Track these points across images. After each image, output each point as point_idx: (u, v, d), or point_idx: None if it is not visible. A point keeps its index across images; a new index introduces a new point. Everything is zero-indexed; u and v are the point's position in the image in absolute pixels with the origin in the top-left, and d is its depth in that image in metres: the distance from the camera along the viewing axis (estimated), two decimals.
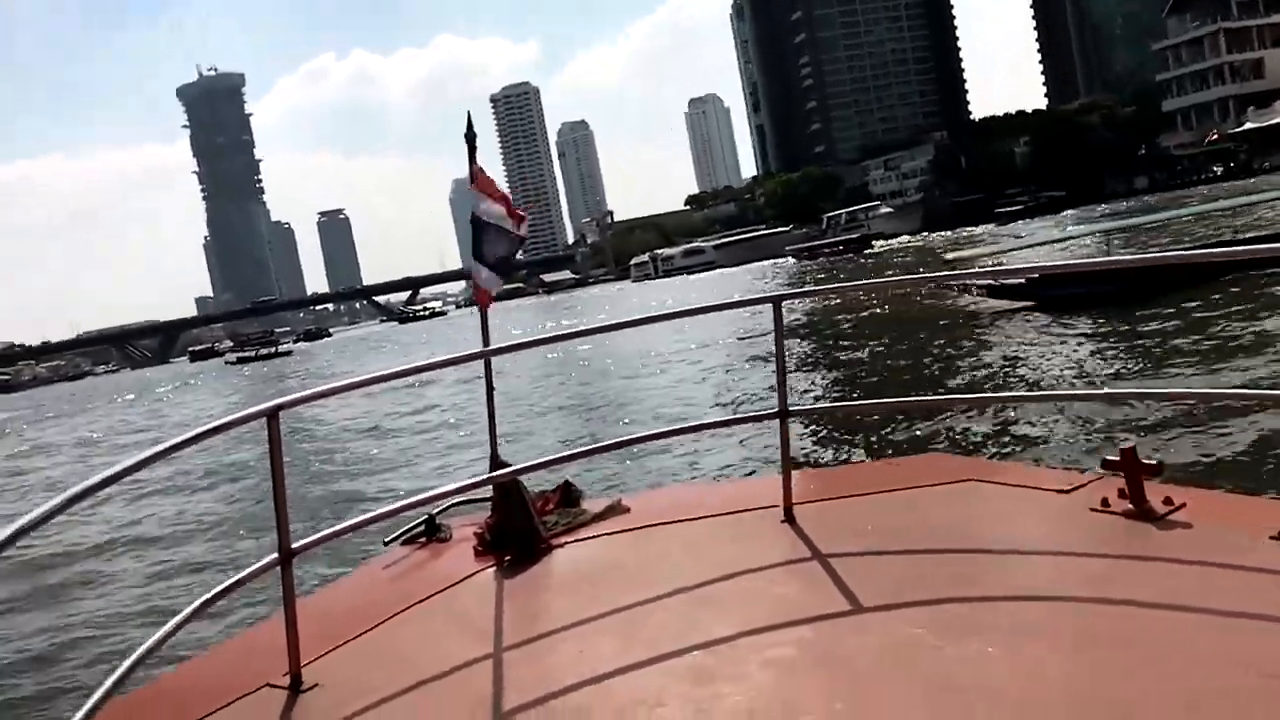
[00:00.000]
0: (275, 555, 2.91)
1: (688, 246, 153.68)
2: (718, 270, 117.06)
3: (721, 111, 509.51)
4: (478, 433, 15.53)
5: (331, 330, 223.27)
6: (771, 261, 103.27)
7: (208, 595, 2.83)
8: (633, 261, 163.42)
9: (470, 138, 4.09)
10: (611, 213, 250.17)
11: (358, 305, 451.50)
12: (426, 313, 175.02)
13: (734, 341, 25.98)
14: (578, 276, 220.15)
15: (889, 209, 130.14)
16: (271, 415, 2.86)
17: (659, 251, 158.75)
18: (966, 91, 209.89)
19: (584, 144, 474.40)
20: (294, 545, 2.94)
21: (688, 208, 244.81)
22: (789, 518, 3.69)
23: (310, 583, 8.02)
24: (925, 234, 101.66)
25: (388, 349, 68.49)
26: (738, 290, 59.60)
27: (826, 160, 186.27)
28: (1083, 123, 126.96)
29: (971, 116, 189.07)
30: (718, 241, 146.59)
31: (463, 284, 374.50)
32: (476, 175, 4.06)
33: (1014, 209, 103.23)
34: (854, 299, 28.27)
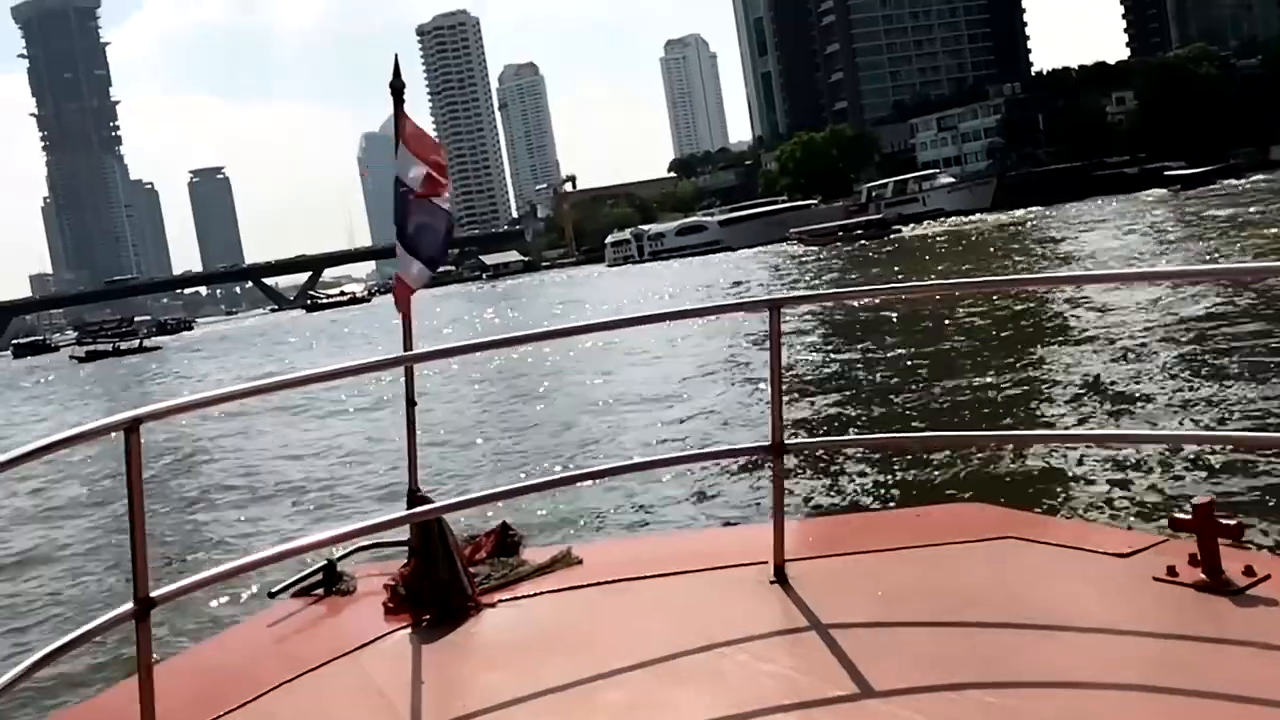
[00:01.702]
0: (130, 605, 2.93)
1: (684, 222, 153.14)
2: (723, 253, 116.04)
3: (706, 57, 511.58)
4: (393, 459, 15.63)
5: (196, 322, 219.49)
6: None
7: (39, 654, 2.85)
8: (608, 240, 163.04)
9: (397, 89, 4.14)
10: (573, 178, 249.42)
11: (238, 289, 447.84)
12: (344, 298, 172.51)
13: (729, 347, 26.29)
14: (527, 259, 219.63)
15: (948, 178, 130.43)
16: (131, 427, 2.89)
17: (645, 228, 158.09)
18: (1028, 38, 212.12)
19: (532, 92, 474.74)
20: (154, 593, 2.96)
21: (672, 175, 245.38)
22: (780, 577, 3.76)
23: (175, 640, 8.15)
24: (1010, 211, 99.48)
25: (291, 345, 68.17)
26: (755, 279, 59.85)
27: (850, 118, 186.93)
28: (1201, 75, 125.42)
29: (1035, 69, 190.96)
30: (724, 216, 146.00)
31: (371, 266, 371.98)
32: (406, 132, 4.09)
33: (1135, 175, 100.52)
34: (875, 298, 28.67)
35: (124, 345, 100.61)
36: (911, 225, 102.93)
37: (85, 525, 16.28)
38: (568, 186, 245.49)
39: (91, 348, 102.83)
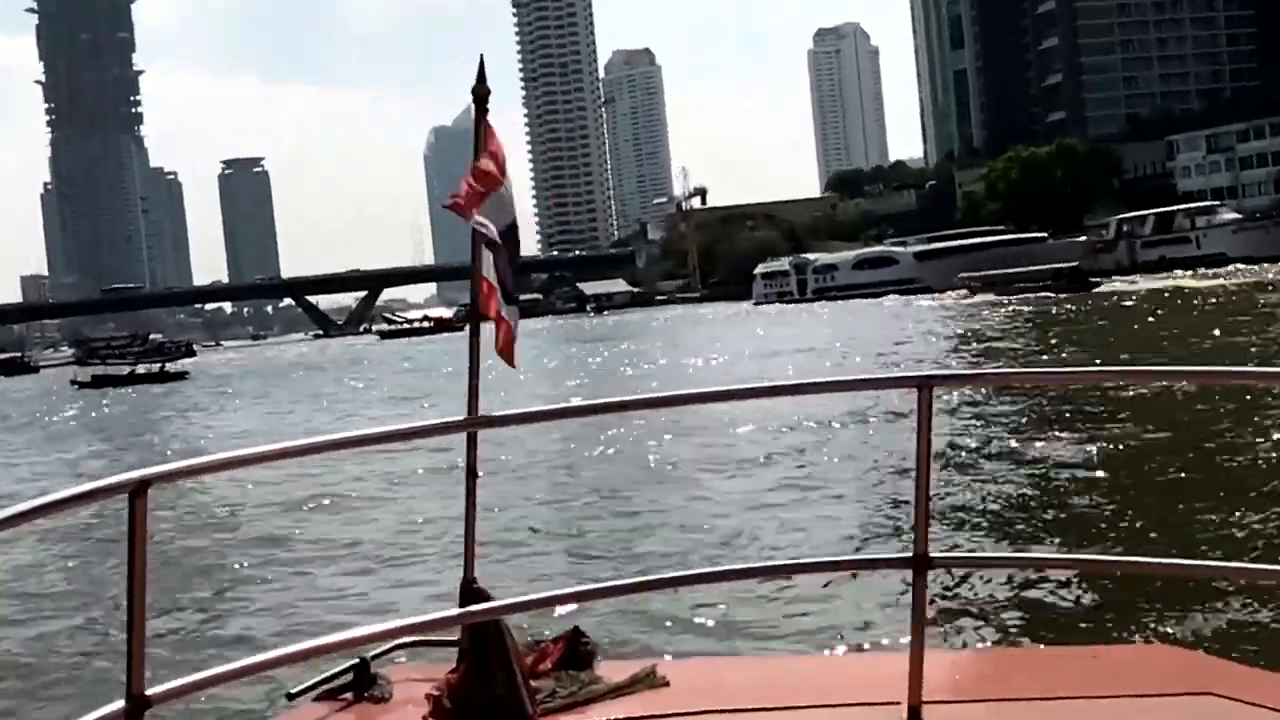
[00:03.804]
0: (121, 703, 3.08)
1: (865, 253, 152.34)
2: (920, 294, 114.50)
3: (865, 52, 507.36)
4: (449, 543, 16.17)
5: (198, 347, 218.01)
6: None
7: None
8: (759, 271, 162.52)
9: (481, 96, 4.33)
10: (703, 191, 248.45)
11: (270, 308, 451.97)
12: (426, 324, 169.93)
13: (874, 427, 26.55)
14: (636, 289, 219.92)
15: (1231, 214, 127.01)
16: (138, 490, 3.05)
17: (809, 257, 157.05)
18: None
19: (646, 86, 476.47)
20: (150, 690, 3.11)
21: (829, 194, 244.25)
22: None
23: None
24: None
25: (353, 387, 67.20)
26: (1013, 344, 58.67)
27: (1069, 132, 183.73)
28: None
29: None
30: (921, 248, 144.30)
31: (431, 289, 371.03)
32: (489, 148, 4.29)
33: None
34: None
35: (141, 369, 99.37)
36: (1111, 279, 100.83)
37: (82, 591, 17.09)
38: (695, 202, 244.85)
39: (99, 370, 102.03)
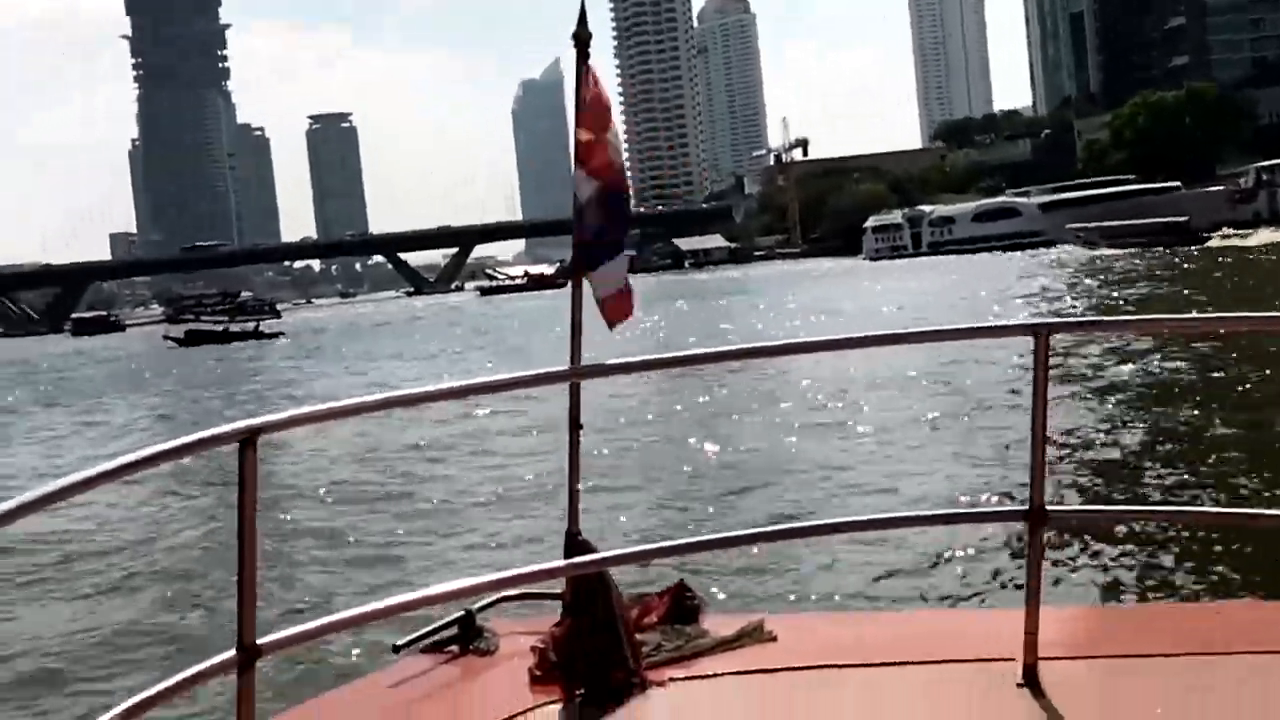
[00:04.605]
0: (232, 652, 3.17)
1: (986, 204, 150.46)
2: (1046, 247, 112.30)
3: None
4: (551, 493, 16.34)
5: (289, 305, 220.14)
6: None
7: (124, 705, 3.08)
8: (869, 225, 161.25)
9: (583, 39, 4.30)
10: (804, 142, 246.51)
11: (359, 265, 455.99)
12: (525, 280, 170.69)
13: (992, 378, 26.41)
14: (733, 245, 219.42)
15: None
16: (248, 438, 3.16)
17: (925, 209, 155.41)
18: None
19: (739, 35, 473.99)
20: (260, 640, 3.20)
21: (937, 144, 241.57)
22: (1030, 680, 3.81)
23: (275, 700, 8.87)
24: None
25: (458, 343, 67.04)
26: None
27: (1191, 78, 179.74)
28: None
29: None
30: (1046, 199, 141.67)
31: (520, 245, 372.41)
32: (590, 98, 4.24)
33: None
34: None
35: (235, 327, 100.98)
36: (1224, 234, 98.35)
37: (197, 540, 17.61)
38: (796, 154, 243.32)
39: (192, 327, 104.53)
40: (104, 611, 14.41)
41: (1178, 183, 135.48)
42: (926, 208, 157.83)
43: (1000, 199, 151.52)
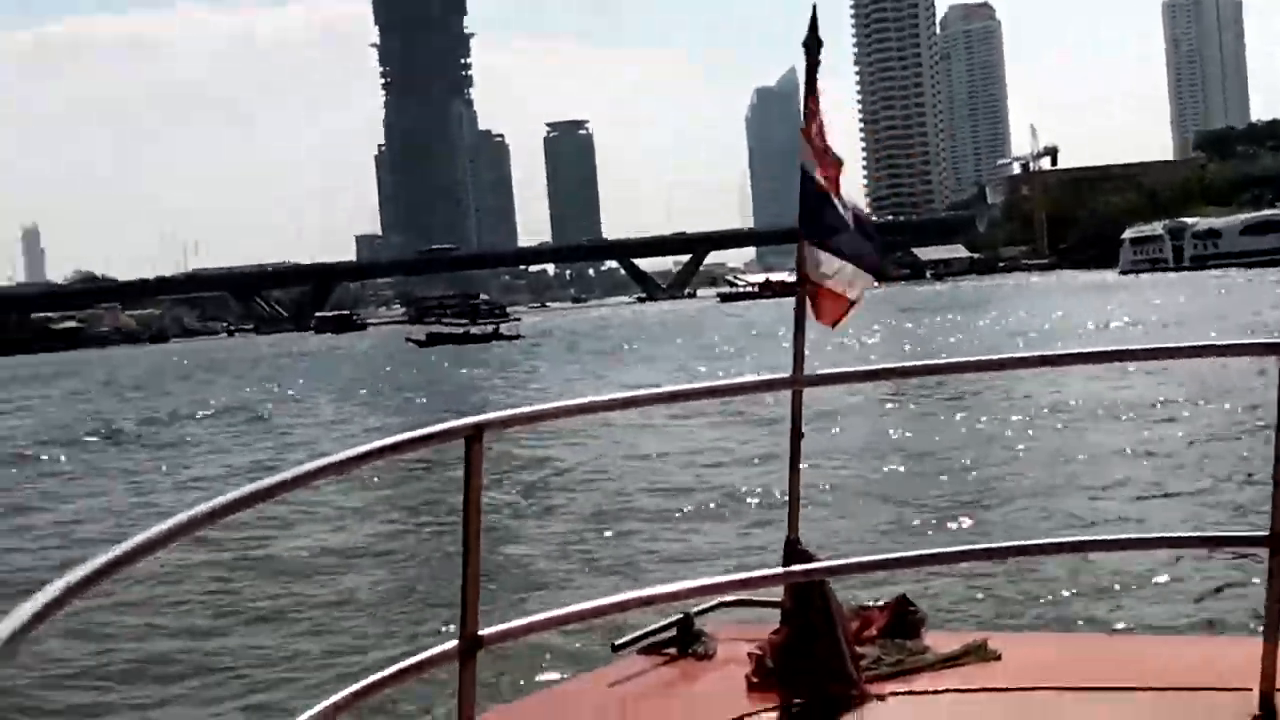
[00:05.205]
0: (456, 642, 3.26)
1: (1258, 216, 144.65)
2: None
3: (1229, 5, 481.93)
4: (772, 502, 16.48)
5: (525, 309, 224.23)
6: None
7: (348, 690, 3.17)
8: (1127, 235, 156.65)
9: (813, 47, 4.34)
10: (1054, 150, 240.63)
11: (591, 271, 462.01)
12: (769, 289, 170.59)
13: (1230, 398, 25.53)
14: (975, 256, 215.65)
15: None
16: (474, 434, 3.24)
17: (1187, 221, 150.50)
18: None
19: (984, 41, 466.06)
20: (483, 631, 3.27)
21: (1197, 154, 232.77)
22: (1268, 711, 3.70)
23: (492, 692, 9.06)
24: None
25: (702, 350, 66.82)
26: None
27: None
28: None
29: None
30: None
31: (750, 253, 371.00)
32: (812, 110, 4.30)
33: None
34: None
35: (475, 330, 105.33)
36: None
37: (414, 537, 18.33)
38: (1044, 162, 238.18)
39: (434, 329, 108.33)
40: (350, 588, 15.14)
41: None
42: (1189, 220, 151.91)
43: (1271, 211, 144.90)
